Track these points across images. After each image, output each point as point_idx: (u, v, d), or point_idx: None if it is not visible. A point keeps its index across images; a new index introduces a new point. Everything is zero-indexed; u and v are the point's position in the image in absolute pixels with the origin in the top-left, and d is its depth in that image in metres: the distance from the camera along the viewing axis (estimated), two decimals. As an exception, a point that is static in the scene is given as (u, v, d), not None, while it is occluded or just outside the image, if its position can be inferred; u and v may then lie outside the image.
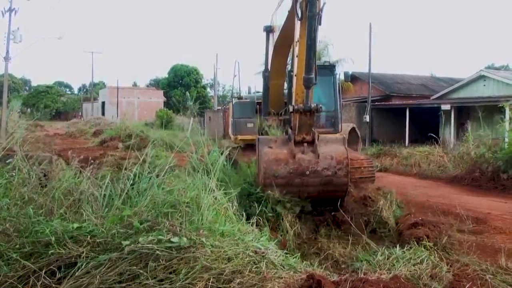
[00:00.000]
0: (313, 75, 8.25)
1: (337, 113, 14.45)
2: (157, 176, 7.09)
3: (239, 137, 14.71)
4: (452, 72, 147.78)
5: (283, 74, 13.92)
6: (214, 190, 6.92)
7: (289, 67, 14.29)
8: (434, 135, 21.63)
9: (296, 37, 8.70)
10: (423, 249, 6.30)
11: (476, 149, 17.15)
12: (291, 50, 13.92)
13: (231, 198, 7.40)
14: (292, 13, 9.29)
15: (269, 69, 13.45)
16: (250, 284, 4.62)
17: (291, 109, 8.65)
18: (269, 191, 8.35)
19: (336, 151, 8.74)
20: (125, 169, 7.29)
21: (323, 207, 9.07)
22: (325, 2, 8.17)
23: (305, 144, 8.64)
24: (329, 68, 15.40)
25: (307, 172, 8.48)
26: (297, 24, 8.56)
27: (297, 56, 8.65)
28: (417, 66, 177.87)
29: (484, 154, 16.16)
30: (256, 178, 9.09)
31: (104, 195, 6.60)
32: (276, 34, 12.25)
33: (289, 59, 13.99)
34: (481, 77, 34.81)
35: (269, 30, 12.74)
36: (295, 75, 8.69)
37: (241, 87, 17.56)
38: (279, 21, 11.55)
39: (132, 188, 6.77)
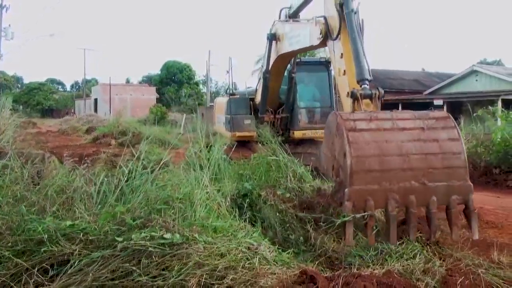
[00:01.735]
0: (364, 65, 7.23)
1: (333, 109, 14.50)
2: (152, 171, 7.09)
3: (237, 133, 14.70)
4: (444, 68, 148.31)
5: (283, 75, 13.94)
6: (207, 186, 6.91)
7: (289, 67, 14.34)
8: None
9: (338, 55, 8.09)
10: (416, 244, 6.31)
11: (468, 144, 17.21)
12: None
13: (225, 193, 7.40)
14: (317, 46, 9.17)
15: (270, 71, 13.38)
16: (243, 280, 4.62)
17: (345, 94, 7.43)
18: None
19: None
20: (120, 166, 7.28)
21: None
22: (359, 2, 7.85)
23: None
24: (325, 64, 15.51)
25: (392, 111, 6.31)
26: (337, 43, 8.13)
27: (344, 72, 7.84)
28: (409, 62, 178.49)
29: (477, 149, 16.23)
30: (336, 166, 6.30)
31: (98, 192, 6.60)
32: (280, 44, 12.19)
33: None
34: (473, 72, 34.97)
35: (272, 38, 12.63)
36: (347, 92, 7.42)
37: (233, 83, 17.48)
38: (287, 36, 11.49)
39: (127, 185, 6.77)
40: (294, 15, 11.56)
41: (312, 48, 10.07)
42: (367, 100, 6.95)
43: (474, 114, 18.21)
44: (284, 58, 12.64)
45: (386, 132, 5.99)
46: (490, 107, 18.83)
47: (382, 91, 6.99)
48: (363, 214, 5.63)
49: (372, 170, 5.80)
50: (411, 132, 6.04)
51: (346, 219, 5.59)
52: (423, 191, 5.86)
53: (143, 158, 7.51)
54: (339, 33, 7.99)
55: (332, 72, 15.04)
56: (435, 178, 5.91)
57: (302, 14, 11.66)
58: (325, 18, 8.54)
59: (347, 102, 7.34)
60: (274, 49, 12.68)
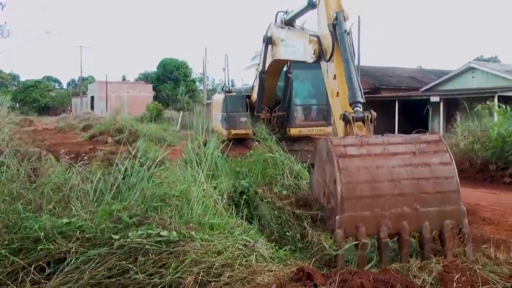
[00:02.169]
0: (356, 87, 7.22)
1: (329, 106, 14.45)
2: (148, 169, 7.08)
3: (233, 131, 14.69)
4: (440, 65, 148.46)
5: (279, 74, 13.94)
6: (204, 183, 6.91)
7: (285, 67, 14.35)
8: (422, 129, 21.65)
9: (331, 77, 8.05)
10: (412, 240, 6.31)
11: (465, 141, 17.24)
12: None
13: (221, 191, 7.39)
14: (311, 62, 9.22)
15: (266, 72, 13.38)
16: (240, 277, 4.62)
17: (337, 116, 7.31)
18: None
19: None
20: (116, 164, 7.27)
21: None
22: (353, 23, 7.84)
23: None
24: None
25: (384, 134, 6.18)
26: (330, 65, 8.09)
27: (337, 94, 7.81)
28: (405, 59, 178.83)
29: (473, 146, 16.26)
30: (327, 191, 6.22)
31: (94, 189, 6.59)
32: (276, 49, 12.18)
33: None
34: (469, 69, 35.02)
35: (268, 41, 12.62)
36: (340, 114, 7.25)
37: (230, 80, 17.57)
38: (282, 43, 11.46)
39: (123, 182, 6.76)
40: (289, 22, 11.50)
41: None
42: (360, 123, 6.87)
43: (475, 109, 18.22)
44: (279, 63, 12.64)
45: (377, 158, 5.92)
46: (488, 103, 18.83)
47: (375, 114, 6.89)
48: (355, 242, 5.56)
49: (363, 197, 5.74)
50: (402, 157, 5.97)
51: (337, 252, 5.51)
52: (415, 216, 5.79)
53: (140, 155, 7.50)
54: (332, 54, 7.91)
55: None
56: (427, 203, 5.85)
57: (298, 21, 11.65)
58: (318, 38, 8.49)
59: (340, 124, 7.27)
60: (270, 52, 12.67)
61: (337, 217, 5.62)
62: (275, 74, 13.57)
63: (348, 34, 7.66)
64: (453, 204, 5.94)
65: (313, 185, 6.86)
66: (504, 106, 18.21)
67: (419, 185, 5.85)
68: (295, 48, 10.22)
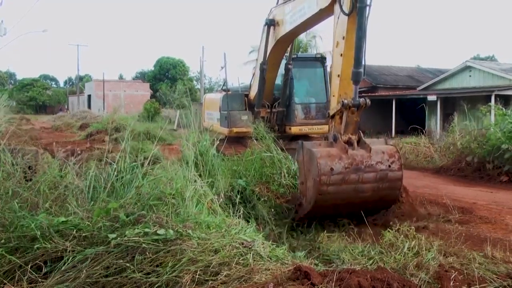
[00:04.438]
0: (361, 69, 7.80)
1: (328, 105, 14.48)
2: (142, 165, 7.06)
3: (235, 129, 14.68)
4: (437, 63, 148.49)
5: (278, 67, 13.91)
6: (200, 181, 6.90)
7: (285, 60, 14.33)
8: (418, 127, 21.66)
9: (340, 34, 8.25)
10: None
11: (462, 140, 17.22)
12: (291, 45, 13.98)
13: (218, 189, 7.38)
14: (325, 11, 9.19)
15: (267, 61, 13.34)
16: (237, 276, 4.61)
17: (335, 107, 8.19)
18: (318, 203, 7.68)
19: (385, 147, 8.22)
20: (110, 163, 7.25)
21: (376, 212, 8.32)
22: None
23: (354, 142, 7.99)
24: (320, 60, 15.56)
25: (362, 166, 7.75)
26: (343, 20, 8.16)
27: (341, 55, 8.19)
28: (402, 58, 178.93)
29: (470, 145, 16.25)
30: (303, 189, 8.29)
31: (90, 187, 6.57)
32: (279, 29, 12.15)
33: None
34: (467, 68, 35.01)
35: (271, 23, 12.58)
36: (338, 74, 8.26)
37: (225, 80, 17.68)
38: (287, 16, 11.43)
39: (121, 179, 6.74)
40: None
41: (318, 16, 9.92)
42: (354, 109, 7.98)
43: (478, 109, 18.18)
44: (282, 43, 12.59)
45: (349, 190, 7.78)
46: (489, 104, 18.80)
47: (369, 102, 8.08)
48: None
49: (326, 208, 7.92)
50: (367, 193, 7.94)
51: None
52: (358, 212, 7.93)
53: (135, 153, 7.48)
54: (351, 11, 7.98)
55: (328, 68, 15.05)
56: (371, 207, 8.18)
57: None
58: None
59: (335, 82, 8.35)
60: (272, 35, 12.63)
61: (302, 215, 8.03)
62: (277, 61, 13.53)
63: (369, 6, 7.83)
64: (395, 190, 8.28)
65: (299, 154, 8.39)
66: (500, 106, 18.20)
67: (367, 202, 8.05)
68: (305, 8, 10.19)
